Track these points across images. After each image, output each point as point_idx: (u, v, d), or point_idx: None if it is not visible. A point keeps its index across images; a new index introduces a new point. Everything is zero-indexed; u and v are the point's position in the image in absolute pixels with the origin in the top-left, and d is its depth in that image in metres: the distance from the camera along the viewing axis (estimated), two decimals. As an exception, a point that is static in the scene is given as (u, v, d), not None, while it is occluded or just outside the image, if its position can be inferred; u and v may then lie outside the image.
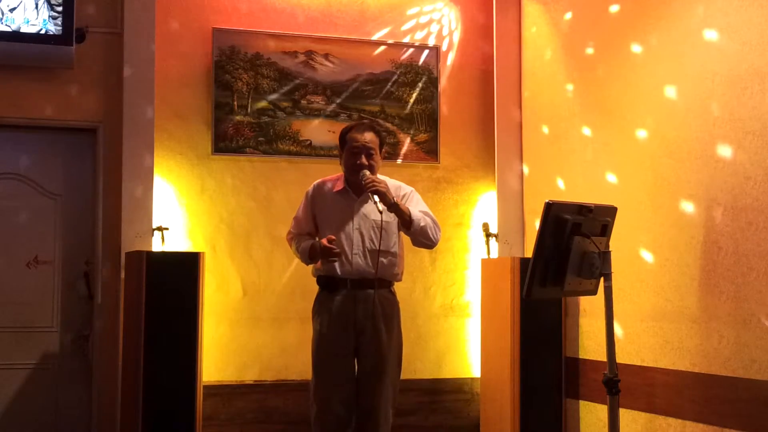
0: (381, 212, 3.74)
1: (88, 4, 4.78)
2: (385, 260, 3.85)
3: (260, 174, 5.11)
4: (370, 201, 3.86)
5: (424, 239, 3.87)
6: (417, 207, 3.91)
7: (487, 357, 5.12)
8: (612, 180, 4.62)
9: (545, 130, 5.24)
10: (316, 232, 3.98)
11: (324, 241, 3.79)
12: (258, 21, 5.15)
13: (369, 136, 3.89)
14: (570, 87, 5.02)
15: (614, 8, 4.66)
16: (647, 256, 4.32)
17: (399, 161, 5.31)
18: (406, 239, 4.03)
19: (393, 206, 3.74)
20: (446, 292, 5.38)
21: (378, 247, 3.82)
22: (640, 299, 4.36)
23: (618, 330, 4.05)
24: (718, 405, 3.85)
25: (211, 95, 5.03)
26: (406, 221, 3.80)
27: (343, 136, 3.95)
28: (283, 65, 5.17)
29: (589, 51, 4.87)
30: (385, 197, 3.72)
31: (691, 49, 4.08)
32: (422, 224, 3.83)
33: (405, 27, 5.42)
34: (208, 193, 5.01)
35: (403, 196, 3.93)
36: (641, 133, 4.41)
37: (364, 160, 3.84)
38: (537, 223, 3.27)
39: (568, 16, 5.07)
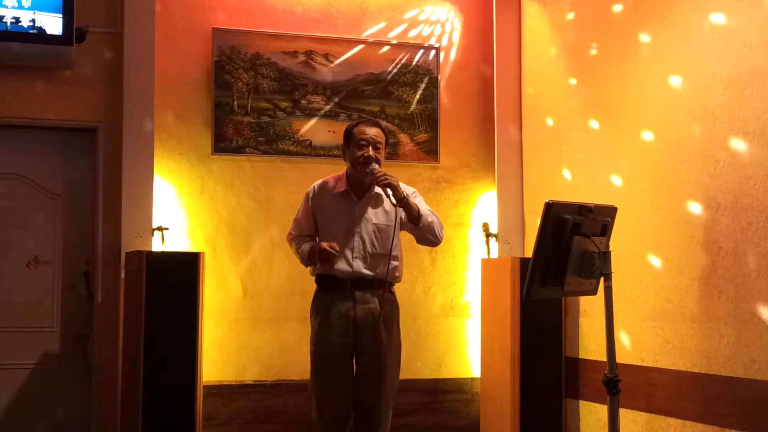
0: (395, 206, 3.74)
1: (88, 4, 4.78)
2: (387, 264, 3.84)
3: (260, 174, 5.11)
4: (371, 205, 3.88)
5: (430, 235, 3.87)
6: (421, 205, 3.91)
7: (487, 357, 5.12)
8: (612, 180, 4.62)
9: (545, 130, 5.24)
10: (316, 234, 3.97)
11: (324, 244, 3.78)
12: (258, 21, 5.15)
13: (376, 131, 3.90)
14: (570, 87, 5.02)
15: (614, 8, 4.66)
16: (647, 256, 4.32)
17: (401, 161, 5.30)
18: (404, 241, 4.03)
19: (403, 201, 3.75)
20: (446, 292, 5.38)
21: (388, 250, 3.81)
22: (640, 299, 4.36)
23: (618, 330, 4.06)
24: (718, 405, 3.85)
25: (211, 95, 5.03)
26: (414, 216, 3.79)
27: (350, 130, 3.93)
28: (283, 65, 5.17)
29: (589, 51, 4.87)
30: (397, 191, 3.72)
31: (692, 49, 4.08)
32: (430, 220, 3.83)
33: (405, 27, 5.42)
34: (208, 193, 5.02)
35: (407, 195, 3.92)
36: (641, 133, 4.41)
37: (372, 152, 3.83)
38: (537, 223, 3.27)
39: (568, 16, 5.07)
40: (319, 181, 4.03)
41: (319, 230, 3.95)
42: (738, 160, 3.80)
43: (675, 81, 4.19)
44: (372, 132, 3.87)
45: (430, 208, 3.94)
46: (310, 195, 4.01)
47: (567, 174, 5.02)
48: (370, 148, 3.83)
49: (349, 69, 5.28)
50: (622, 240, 4.12)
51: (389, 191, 3.73)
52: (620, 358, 3.67)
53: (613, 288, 3.30)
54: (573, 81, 5.01)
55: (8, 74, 4.67)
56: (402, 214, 3.82)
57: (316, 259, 3.83)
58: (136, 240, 4.69)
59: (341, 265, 3.82)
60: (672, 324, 4.16)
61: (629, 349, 4.39)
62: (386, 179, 3.72)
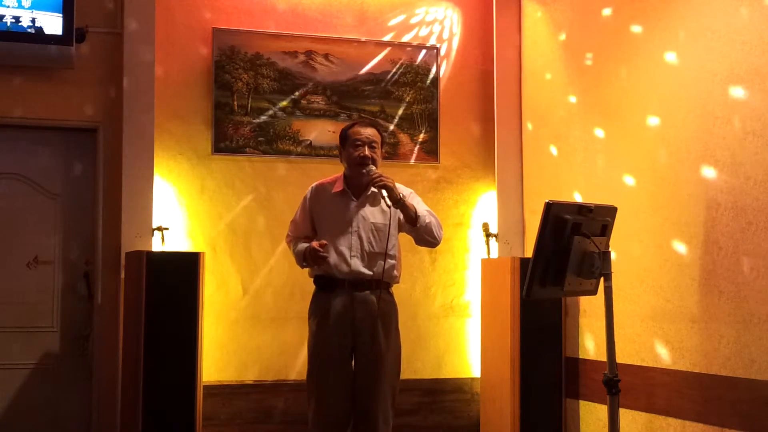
0: (390, 207, 3.73)
1: (88, 4, 4.78)
2: (385, 262, 3.84)
3: (260, 174, 5.11)
4: (369, 204, 3.87)
5: (428, 236, 3.86)
6: (419, 206, 3.90)
7: (487, 357, 5.12)
8: (612, 180, 4.61)
9: (545, 130, 5.24)
10: (314, 235, 3.96)
11: (315, 243, 3.78)
12: (258, 21, 5.15)
13: (372, 131, 3.89)
14: (570, 87, 5.02)
15: (614, 8, 4.66)
16: (647, 256, 4.32)
17: (401, 161, 5.31)
18: (402, 241, 4.02)
19: (399, 202, 3.74)
20: (446, 292, 5.38)
21: (385, 249, 3.81)
22: (640, 299, 4.36)
23: (618, 330, 4.04)
24: (718, 405, 3.86)
25: (211, 95, 5.03)
26: (411, 217, 3.78)
27: (345, 132, 3.93)
28: (283, 65, 5.17)
29: (589, 51, 4.87)
30: (392, 192, 3.71)
31: (691, 48, 4.08)
32: (427, 221, 3.82)
33: (405, 27, 5.42)
34: (208, 193, 5.01)
35: (403, 196, 3.91)
36: (641, 133, 4.41)
37: (367, 152, 3.83)
38: (537, 223, 3.27)
39: (568, 16, 5.07)
40: (316, 183, 4.04)
41: (317, 231, 3.95)
42: (738, 160, 3.80)
43: (675, 81, 4.18)
44: (367, 132, 3.87)
45: (428, 208, 3.93)
46: (308, 196, 4.01)
47: (566, 174, 5.02)
48: (366, 148, 3.83)
49: (349, 69, 5.28)
50: (622, 240, 4.12)
51: (385, 193, 3.72)
52: (620, 358, 3.67)
53: (613, 288, 3.30)
54: (573, 81, 5.00)
55: (8, 74, 4.67)
56: (399, 214, 3.82)
57: (309, 259, 3.83)
58: (136, 240, 4.69)
59: (339, 265, 3.82)
60: (672, 324, 4.16)
61: (629, 349, 4.38)
62: (382, 181, 3.71)
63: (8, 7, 4.52)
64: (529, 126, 5.40)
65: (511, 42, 5.46)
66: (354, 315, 3.81)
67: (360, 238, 3.85)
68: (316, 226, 3.95)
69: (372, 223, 3.87)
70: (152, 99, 4.82)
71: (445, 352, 5.34)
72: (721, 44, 3.90)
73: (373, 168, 3.80)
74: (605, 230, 3.39)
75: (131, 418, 4.44)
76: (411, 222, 3.80)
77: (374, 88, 5.31)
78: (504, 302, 4.90)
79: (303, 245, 3.90)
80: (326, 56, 5.25)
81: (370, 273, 3.83)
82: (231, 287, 5.02)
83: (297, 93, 5.18)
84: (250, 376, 5.01)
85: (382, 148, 3.94)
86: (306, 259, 3.86)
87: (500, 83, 5.44)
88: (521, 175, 5.42)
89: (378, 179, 3.72)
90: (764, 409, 3.62)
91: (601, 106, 4.75)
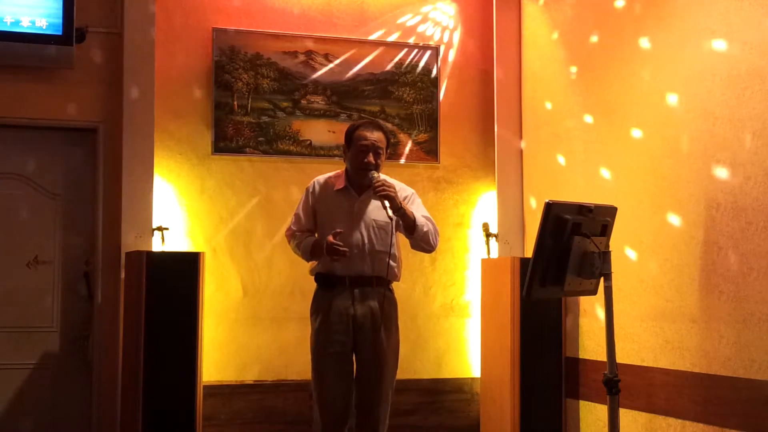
0: (391, 219, 3.71)
1: (88, 4, 4.78)
2: (386, 261, 3.84)
3: (260, 174, 5.11)
4: (371, 200, 3.85)
5: (424, 244, 3.87)
6: (418, 211, 3.89)
7: (487, 357, 5.12)
8: (612, 180, 4.62)
9: (545, 130, 5.24)
10: (316, 229, 3.97)
11: (330, 238, 3.76)
12: (258, 21, 5.15)
13: (378, 135, 3.86)
14: (570, 87, 5.02)
15: (614, 8, 4.66)
16: (647, 256, 4.32)
17: (401, 161, 5.31)
18: (402, 240, 4.02)
19: (400, 211, 3.74)
20: (446, 292, 5.38)
21: (389, 247, 3.81)
22: (640, 299, 4.36)
23: (618, 330, 4.06)
24: (718, 405, 3.85)
25: (211, 95, 5.03)
26: (410, 226, 3.78)
27: (351, 133, 3.90)
28: (283, 65, 5.17)
29: (589, 51, 4.87)
30: (394, 202, 3.70)
31: (692, 49, 4.08)
32: (425, 230, 3.82)
33: (405, 27, 5.42)
34: (208, 193, 5.02)
35: (405, 198, 3.91)
36: (641, 133, 4.41)
37: (372, 158, 3.81)
38: (537, 223, 3.27)
39: (568, 16, 5.07)
40: (319, 177, 4.02)
41: (319, 226, 3.94)
42: (738, 160, 3.80)
43: (675, 81, 4.18)
44: (373, 137, 3.84)
45: (427, 214, 3.92)
46: (310, 190, 3.99)
47: (567, 174, 5.02)
48: (371, 155, 3.81)
49: (349, 69, 5.28)
50: (622, 240, 4.12)
51: (386, 203, 3.71)
52: (620, 358, 3.67)
53: (613, 288, 3.30)
54: (573, 81, 5.00)
55: (8, 74, 4.67)
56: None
57: (320, 253, 3.81)
58: (136, 240, 4.69)
59: (341, 262, 3.81)
60: (672, 324, 4.16)
61: (629, 349, 4.39)
62: (384, 191, 3.69)
63: (8, 6, 4.52)
64: (528, 126, 5.40)
65: (511, 42, 5.46)
66: (355, 313, 3.82)
67: (362, 235, 3.84)
68: (318, 221, 3.95)
69: (374, 219, 3.86)
70: (152, 99, 4.82)
71: (445, 352, 5.34)
72: (721, 44, 3.90)
73: (377, 174, 3.78)
74: (605, 230, 3.40)
75: (131, 418, 4.44)
76: (409, 230, 3.81)
77: (374, 88, 5.31)
78: (504, 302, 4.90)
79: (310, 239, 3.90)
80: (326, 56, 5.25)
81: (372, 271, 3.83)
82: (231, 287, 5.02)
83: (297, 93, 5.18)
84: (250, 376, 5.01)
85: (386, 152, 3.93)
86: (316, 253, 3.85)
87: (500, 83, 5.44)
88: (521, 175, 5.42)
89: (381, 189, 3.70)
90: (764, 409, 3.62)
91: (601, 106, 4.75)
